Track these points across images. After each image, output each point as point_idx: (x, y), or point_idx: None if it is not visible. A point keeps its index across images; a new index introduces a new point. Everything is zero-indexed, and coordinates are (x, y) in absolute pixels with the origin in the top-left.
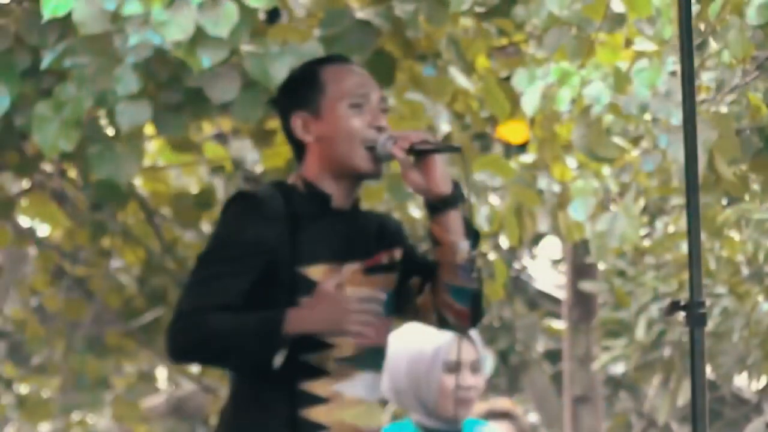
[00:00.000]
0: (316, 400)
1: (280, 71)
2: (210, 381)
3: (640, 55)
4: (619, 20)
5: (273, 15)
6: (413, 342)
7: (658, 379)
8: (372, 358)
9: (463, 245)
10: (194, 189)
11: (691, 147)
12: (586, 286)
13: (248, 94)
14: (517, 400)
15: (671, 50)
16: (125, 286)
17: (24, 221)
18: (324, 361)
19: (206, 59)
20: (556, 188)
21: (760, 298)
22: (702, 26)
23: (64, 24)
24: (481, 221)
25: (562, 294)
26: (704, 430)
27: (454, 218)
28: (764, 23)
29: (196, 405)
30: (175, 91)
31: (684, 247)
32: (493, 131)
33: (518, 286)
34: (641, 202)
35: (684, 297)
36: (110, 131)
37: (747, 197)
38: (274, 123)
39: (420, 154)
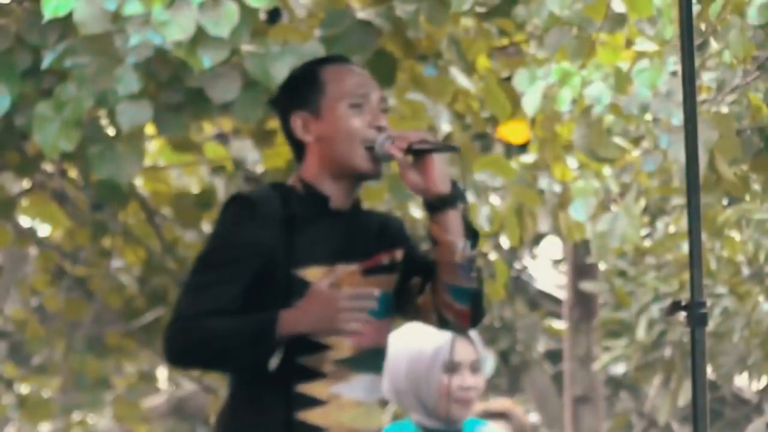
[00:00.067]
0: (313, 402)
1: (280, 71)
2: (210, 381)
3: (641, 55)
4: (620, 20)
5: (274, 15)
6: (413, 342)
7: (658, 380)
8: (371, 359)
9: (462, 245)
10: (195, 189)
11: (692, 147)
12: (587, 286)
13: (249, 94)
14: (517, 400)
15: (672, 50)
16: (126, 286)
17: (24, 221)
18: (321, 363)
19: (207, 59)
20: (557, 188)
21: (761, 298)
22: (703, 26)
23: (65, 24)
24: (482, 221)
25: (562, 294)
26: (705, 430)
27: (452, 218)
28: (765, 23)
29: (196, 405)
30: (176, 91)
31: (685, 247)
32: (493, 131)
33: (519, 286)
34: (642, 203)
35: (685, 297)
36: (111, 131)
37: (748, 197)
38: (275, 123)
39: (418, 153)
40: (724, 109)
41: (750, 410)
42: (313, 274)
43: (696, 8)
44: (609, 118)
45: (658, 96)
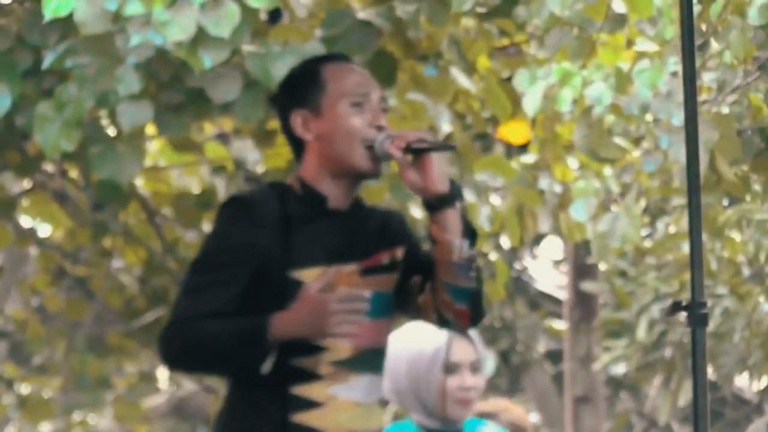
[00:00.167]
0: (309, 404)
1: (281, 71)
2: (211, 381)
3: (641, 55)
4: (620, 21)
5: (274, 15)
6: (413, 342)
7: (659, 380)
8: (370, 359)
9: (460, 244)
10: (196, 189)
11: (692, 147)
12: (588, 286)
13: (249, 94)
14: (518, 400)
15: (673, 51)
16: (126, 286)
17: (25, 221)
18: (318, 365)
19: (208, 59)
20: (558, 188)
21: (761, 298)
22: (703, 27)
23: (66, 24)
24: (483, 221)
25: (563, 294)
26: (705, 431)
27: (451, 217)
28: (765, 24)
29: (197, 405)
30: (177, 91)
31: (685, 248)
32: (494, 131)
33: (519, 286)
34: (642, 203)
35: (685, 297)
36: (111, 131)
37: (748, 198)
38: (276, 123)
39: (417, 152)
40: (725, 110)
41: (750, 410)
42: (311, 274)
43: (696, 8)
44: (609, 119)
45: (658, 96)
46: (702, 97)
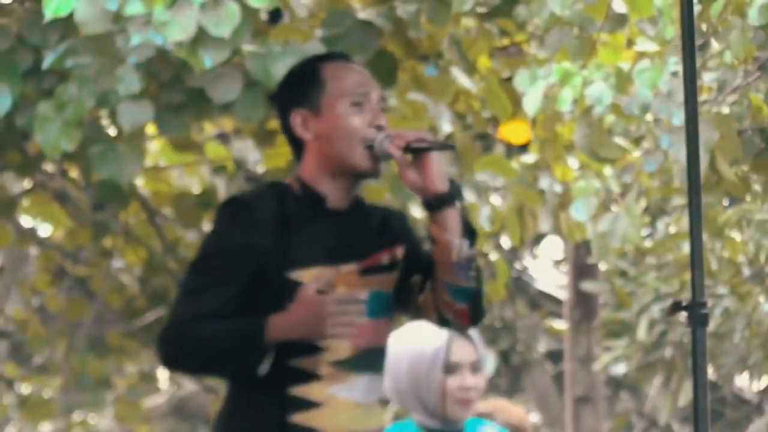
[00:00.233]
0: (308, 404)
1: (281, 71)
2: (211, 381)
3: (641, 55)
4: (620, 20)
5: (275, 15)
6: (414, 342)
7: (659, 380)
8: (369, 359)
9: (459, 244)
10: (196, 189)
11: (693, 147)
12: (588, 286)
13: (250, 94)
14: (518, 400)
15: (673, 51)
16: (127, 286)
17: (25, 221)
18: (317, 365)
19: (208, 59)
20: (558, 188)
21: (762, 298)
22: (704, 27)
23: (66, 24)
24: (483, 221)
25: (563, 294)
26: (706, 431)
27: (451, 217)
28: (766, 24)
29: (197, 405)
30: (177, 91)
31: (685, 248)
32: (494, 131)
33: (520, 286)
34: (643, 203)
35: (685, 297)
36: (112, 131)
37: (748, 198)
38: (276, 123)
39: (417, 152)
40: (725, 110)
41: (751, 410)
42: (310, 275)
43: (697, 8)
44: (610, 119)
45: (659, 96)
46: (702, 97)
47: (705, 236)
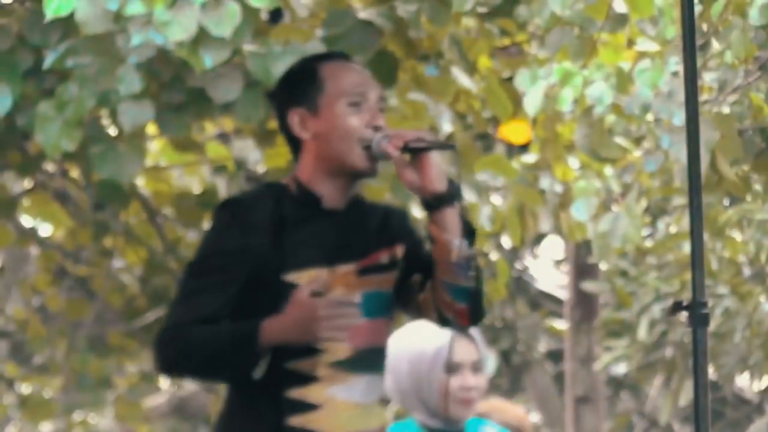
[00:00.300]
0: (306, 407)
1: (282, 71)
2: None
3: (642, 55)
4: (621, 20)
5: (275, 15)
6: (415, 342)
7: (659, 380)
8: (368, 360)
9: (458, 244)
10: (196, 189)
11: (693, 147)
12: (588, 286)
13: (250, 93)
14: (518, 400)
15: (674, 50)
16: (127, 285)
17: (26, 221)
18: (315, 367)
19: (209, 59)
20: (559, 188)
21: (762, 298)
22: (704, 26)
23: (67, 24)
24: (484, 221)
25: (564, 294)
26: (706, 430)
27: (450, 216)
28: (766, 23)
29: (198, 405)
30: (178, 90)
31: (686, 248)
32: (495, 131)
33: (520, 286)
34: (643, 203)
35: (686, 297)
36: (113, 131)
37: (749, 198)
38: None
39: (415, 152)
40: (726, 110)
41: (751, 410)
42: (307, 276)
43: (697, 8)
44: (610, 118)
45: (659, 96)
46: (703, 96)
47: (706, 236)
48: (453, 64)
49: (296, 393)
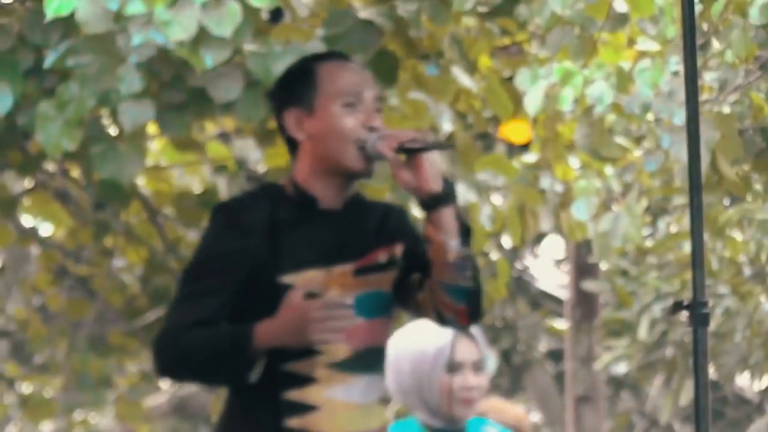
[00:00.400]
0: (304, 408)
1: (282, 71)
2: None
3: (642, 54)
4: (621, 20)
5: (276, 14)
6: (416, 342)
7: (660, 379)
8: (367, 360)
9: (454, 244)
10: (197, 188)
11: (694, 147)
12: (589, 285)
13: (251, 93)
14: (519, 399)
15: (674, 50)
16: (128, 285)
17: (27, 220)
18: (312, 368)
19: (209, 59)
20: (559, 188)
21: (763, 298)
22: (705, 26)
23: (67, 23)
24: (484, 221)
25: (564, 294)
26: (707, 430)
27: (446, 216)
28: (767, 23)
29: (198, 404)
30: (178, 90)
31: (686, 247)
32: (495, 131)
33: (521, 285)
34: (644, 202)
35: (686, 297)
36: (113, 130)
37: (749, 197)
38: None
39: (409, 152)
40: (726, 109)
41: (752, 410)
42: (304, 278)
43: (698, 8)
44: (611, 118)
45: (660, 96)
46: (703, 96)
47: (706, 236)
48: (453, 63)
49: (294, 394)
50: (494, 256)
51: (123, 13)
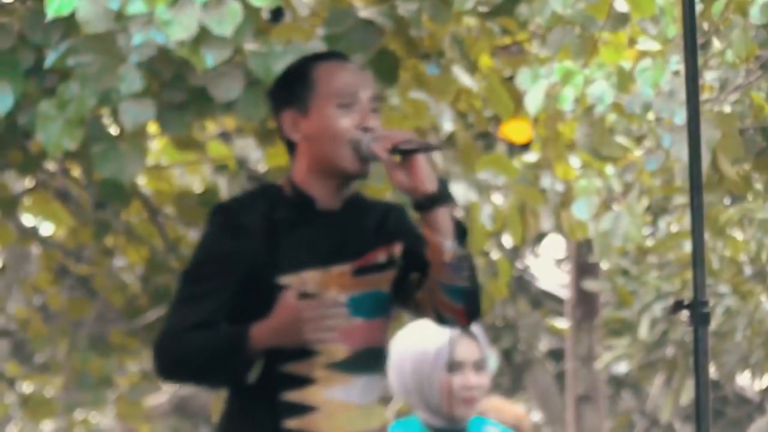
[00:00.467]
0: (303, 409)
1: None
2: None
3: (643, 54)
4: (622, 19)
5: (276, 14)
6: (417, 342)
7: (660, 379)
8: (366, 361)
9: (449, 244)
10: (198, 188)
11: (694, 146)
12: (589, 285)
13: (252, 92)
14: (520, 398)
15: (675, 49)
16: (128, 284)
17: (27, 220)
18: (311, 369)
19: (210, 58)
20: (560, 187)
21: (763, 297)
22: (705, 25)
23: (68, 23)
24: (485, 220)
25: (565, 293)
26: (707, 429)
27: (441, 217)
28: (767, 22)
29: (199, 404)
30: (179, 89)
31: (687, 246)
32: (496, 130)
33: (521, 285)
34: (644, 202)
35: (687, 296)
36: (114, 130)
37: (750, 196)
38: None
39: (404, 153)
40: (727, 109)
41: (752, 409)
42: (301, 279)
43: (699, 7)
44: (611, 117)
45: (660, 95)
46: (704, 96)
47: (706, 235)
48: (454, 63)
49: (293, 396)
50: (495, 255)
51: (124, 13)
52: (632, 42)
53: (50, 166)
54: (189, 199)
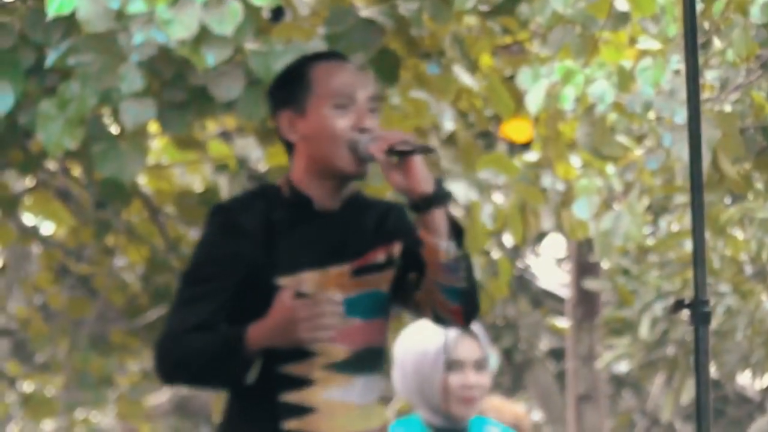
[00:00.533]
0: (302, 410)
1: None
2: None
3: (644, 53)
4: (623, 18)
5: (277, 13)
6: (418, 341)
7: (661, 378)
8: (365, 361)
9: (445, 245)
10: (198, 187)
11: (695, 145)
12: (590, 284)
13: (252, 92)
14: (520, 398)
15: (675, 49)
16: (129, 284)
17: (28, 219)
18: (310, 370)
19: (210, 57)
20: (560, 186)
21: (764, 296)
22: (706, 25)
23: (69, 22)
24: (485, 219)
25: (566, 292)
26: (708, 429)
27: (437, 218)
28: None
29: (199, 403)
30: (180, 89)
31: (688, 246)
32: (497, 129)
33: (522, 284)
34: (645, 201)
35: (688, 295)
36: (114, 129)
37: (751, 196)
38: None
39: (400, 154)
40: (728, 108)
41: (753, 408)
42: (300, 280)
43: (699, 6)
44: (612, 117)
45: (661, 94)
46: (705, 95)
47: (707, 234)
48: (455, 62)
49: (292, 397)
50: (496, 254)
51: (124, 12)
52: (633, 41)
53: (51, 165)
54: (189, 198)
